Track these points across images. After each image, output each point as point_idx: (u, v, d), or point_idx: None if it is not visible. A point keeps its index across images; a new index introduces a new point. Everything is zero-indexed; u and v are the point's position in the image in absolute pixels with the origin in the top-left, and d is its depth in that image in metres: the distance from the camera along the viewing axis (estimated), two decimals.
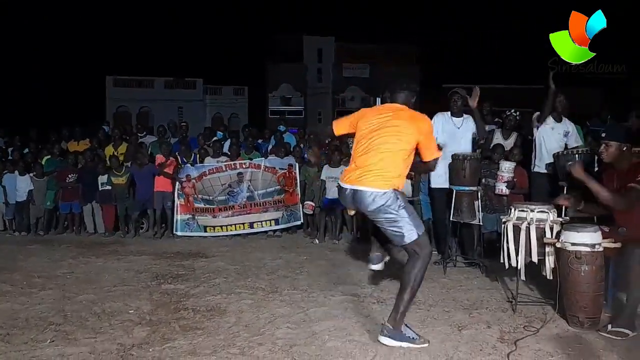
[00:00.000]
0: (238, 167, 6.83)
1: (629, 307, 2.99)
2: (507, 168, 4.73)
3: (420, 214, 5.61)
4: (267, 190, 6.81)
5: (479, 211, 4.61)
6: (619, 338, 2.88)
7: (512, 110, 5.45)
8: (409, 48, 31.65)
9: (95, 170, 7.02)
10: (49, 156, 7.60)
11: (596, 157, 4.29)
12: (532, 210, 3.40)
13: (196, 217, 6.76)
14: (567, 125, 4.94)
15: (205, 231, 6.74)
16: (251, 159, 6.99)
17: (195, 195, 6.78)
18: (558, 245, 3.16)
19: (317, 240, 6.27)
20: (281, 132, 8.44)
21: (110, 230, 6.96)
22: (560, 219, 3.43)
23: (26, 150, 7.93)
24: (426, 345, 2.77)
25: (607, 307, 3.20)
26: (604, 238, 3.09)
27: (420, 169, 3.27)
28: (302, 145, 7.42)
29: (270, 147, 7.71)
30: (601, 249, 3.06)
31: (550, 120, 4.87)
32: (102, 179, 6.97)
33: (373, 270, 3.51)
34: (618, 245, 3.07)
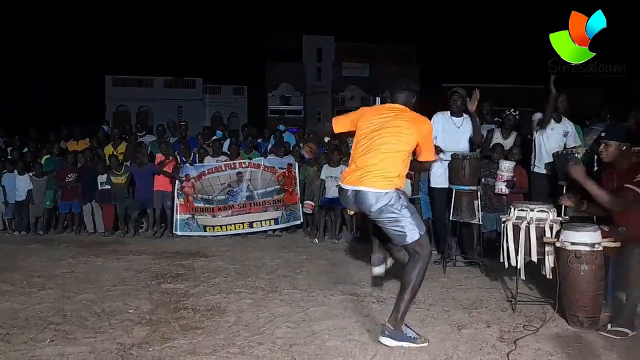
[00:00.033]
0: (237, 166, 6.83)
1: (628, 307, 3.00)
2: (506, 167, 4.73)
3: (420, 213, 5.61)
4: (266, 189, 6.82)
5: (478, 210, 4.61)
6: (619, 337, 2.89)
7: (512, 110, 5.44)
8: (409, 47, 31.65)
9: (94, 169, 7.02)
10: (48, 156, 7.59)
11: (595, 157, 4.29)
12: (531, 210, 3.40)
13: (196, 217, 6.76)
14: (567, 125, 4.94)
15: (205, 231, 6.74)
16: (250, 159, 6.99)
17: (195, 195, 6.78)
18: (558, 244, 3.17)
19: (316, 240, 6.27)
20: (281, 132, 8.44)
21: (109, 230, 6.96)
22: (560, 219, 3.43)
23: (25, 150, 7.93)
24: (426, 344, 2.78)
25: (606, 306, 3.20)
26: (603, 237, 3.10)
27: (415, 167, 3.28)
28: (301, 145, 7.41)
29: (269, 146, 7.71)
30: (601, 248, 3.07)
31: (550, 123, 4.84)
32: (102, 178, 6.96)
33: (376, 275, 3.50)
34: (618, 244, 3.07)
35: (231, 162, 6.88)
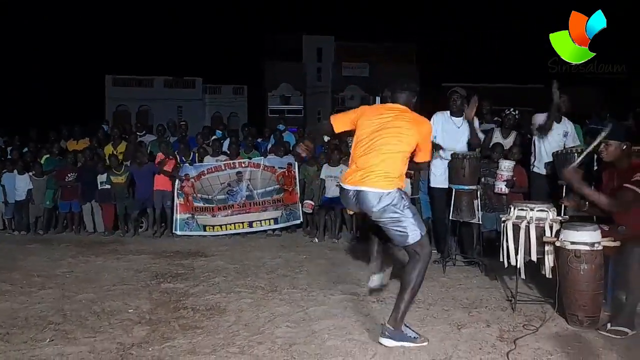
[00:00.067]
0: (237, 166, 6.83)
1: (628, 306, 3.00)
2: (506, 167, 4.73)
3: (420, 212, 5.62)
4: (266, 189, 6.82)
5: (478, 210, 4.61)
6: (618, 337, 2.89)
7: (512, 109, 5.44)
8: (409, 47, 31.64)
9: (94, 169, 7.02)
10: (48, 155, 7.59)
11: (595, 157, 4.29)
12: (531, 209, 3.40)
13: (195, 217, 6.76)
14: (567, 125, 4.93)
15: (205, 230, 6.74)
16: (250, 158, 6.99)
17: (195, 195, 6.78)
18: (557, 244, 3.17)
19: (316, 239, 6.27)
20: (280, 131, 8.44)
21: (109, 230, 6.96)
22: (560, 218, 3.44)
23: (25, 150, 7.93)
24: (425, 344, 2.78)
25: (606, 305, 3.21)
26: (603, 237, 3.10)
27: (411, 167, 3.29)
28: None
29: (269, 146, 7.71)
30: (600, 247, 3.07)
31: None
32: (102, 178, 6.97)
33: (372, 288, 3.48)
34: (617, 244, 3.07)
35: (231, 161, 6.88)
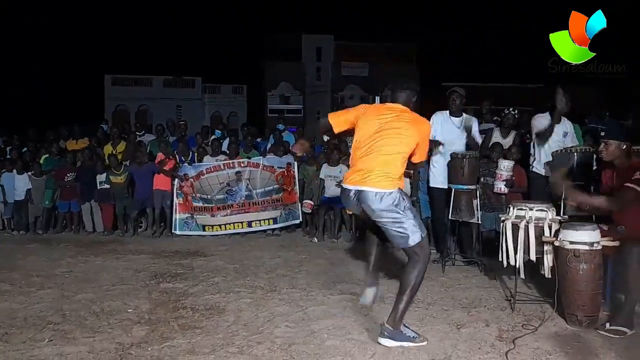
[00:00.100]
0: (236, 166, 6.83)
1: (627, 306, 3.00)
2: (505, 167, 4.73)
3: (419, 212, 5.63)
4: (265, 189, 6.81)
5: (477, 210, 4.62)
6: (617, 336, 2.89)
7: (511, 109, 5.44)
8: (408, 47, 31.61)
9: (93, 169, 7.02)
10: (47, 155, 7.59)
11: (594, 156, 4.29)
12: (530, 209, 3.41)
13: (195, 216, 6.76)
14: (567, 125, 4.92)
15: (204, 230, 6.74)
16: (250, 158, 6.99)
17: (194, 195, 6.78)
18: (556, 243, 3.17)
19: (315, 239, 6.27)
20: (280, 131, 8.43)
21: (109, 229, 6.96)
22: (559, 218, 3.44)
23: (24, 149, 7.92)
24: (425, 343, 2.78)
25: (605, 305, 3.21)
26: (602, 236, 3.10)
27: (408, 166, 3.28)
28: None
29: (269, 145, 7.70)
30: (600, 247, 3.07)
31: (548, 122, 4.82)
32: (101, 177, 6.96)
33: (365, 305, 3.26)
34: (616, 243, 3.08)
35: (230, 161, 6.88)
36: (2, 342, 2.90)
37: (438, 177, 4.90)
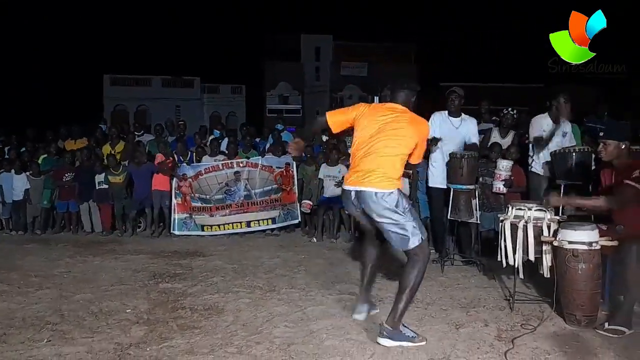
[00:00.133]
0: (235, 165, 6.83)
1: (626, 305, 3.01)
2: (504, 166, 4.73)
3: (418, 212, 5.63)
4: (264, 189, 6.81)
5: (476, 210, 4.62)
6: (616, 336, 2.90)
7: (510, 109, 5.45)
8: (407, 46, 31.64)
9: (92, 169, 7.01)
10: (45, 155, 7.57)
11: (593, 156, 4.29)
12: (529, 209, 3.41)
13: (193, 216, 6.75)
14: (566, 125, 4.92)
15: (203, 230, 6.73)
16: (248, 158, 6.98)
17: (193, 195, 6.78)
18: (555, 243, 3.17)
19: (314, 239, 6.27)
20: (279, 131, 8.44)
21: (107, 229, 6.95)
22: (558, 217, 3.44)
23: (23, 149, 7.90)
24: (424, 343, 2.78)
25: (604, 305, 3.22)
26: (601, 236, 3.10)
27: (406, 166, 3.29)
28: None
29: (267, 145, 7.70)
30: (598, 247, 3.07)
31: (548, 125, 4.81)
32: (99, 177, 6.95)
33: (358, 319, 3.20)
34: (615, 243, 3.08)
35: (229, 161, 6.88)
36: (0, 343, 2.89)
37: (437, 177, 4.90)
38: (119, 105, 29.28)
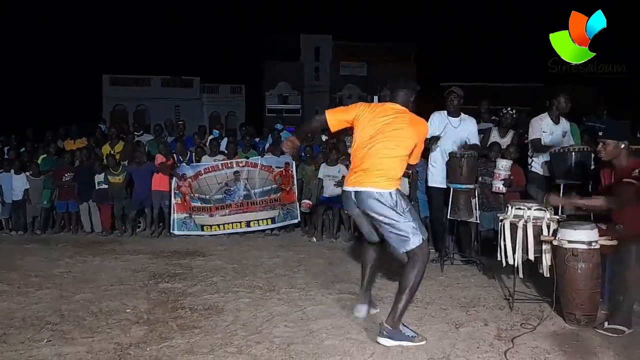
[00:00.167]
0: (234, 165, 6.83)
1: (625, 305, 3.01)
2: (503, 166, 4.74)
3: (418, 212, 5.63)
4: (263, 188, 6.81)
5: (476, 209, 4.62)
6: (616, 335, 2.90)
7: (509, 109, 5.45)
8: (407, 46, 31.64)
9: (91, 169, 7.00)
10: (45, 155, 7.57)
11: (592, 155, 4.29)
12: (529, 208, 3.41)
13: (193, 216, 6.75)
14: (566, 125, 4.93)
15: (203, 230, 6.74)
16: (248, 158, 6.98)
17: (192, 194, 6.78)
18: (555, 242, 3.17)
19: (314, 239, 6.27)
20: (278, 131, 8.44)
21: (107, 229, 6.94)
22: (557, 217, 3.44)
23: (22, 149, 7.90)
24: (423, 342, 2.78)
25: (603, 304, 3.22)
26: (600, 235, 3.11)
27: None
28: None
29: (267, 145, 7.70)
30: (598, 246, 3.08)
31: (547, 125, 4.82)
32: (99, 177, 6.95)
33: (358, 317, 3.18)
34: (615, 242, 3.08)
35: (228, 161, 6.88)
36: (0, 343, 2.89)
37: (436, 177, 4.90)
38: (119, 105, 29.25)
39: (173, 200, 6.73)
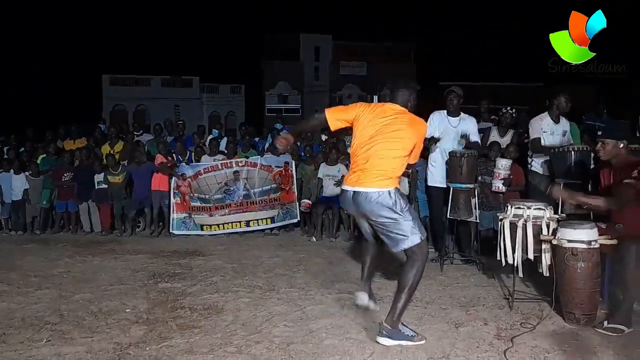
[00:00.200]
0: (234, 165, 6.82)
1: (625, 304, 3.01)
2: (503, 165, 4.74)
3: (418, 211, 5.63)
4: (263, 188, 6.81)
5: (475, 208, 4.62)
6: (615, 334, 2.90)
7: (509, 108, 5.45)
8: (407, 46, 31.64)
9: (91, 168, 7.00)
10: (44, 155, 7.57)
11: (592, 155, 4.29)
12: (528, 208, 3.41)
13: (193, 216, 6.75)
14: (565, 125, 4.93)
15: (202, 230, 6.73)
16: (247, 157, 6.98)
17: (192, 194, 6.77)
18: (554, 242, 3.17)
19: (314, 238, 6.27)
20: (278, 130, 8.44)
21: (106, 229, 6.94)
22: (557, 216, 3.44)
23: (22, 149, 7.89)
24: (423, 342, 2.78)
25: (603, 303, 3.22)
26: (600, 235, 3.11)
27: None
28: (298, 144, 7.42)
29: (267, 145, 7.70)
30: (597, 245, 3.08)
31: (547, 125, 4.82)
32: (99, 177, 6.94)
33: (359, 304, 3.15)
34: (614, 242, 3.08)
35: (227, 161, 6.88)
36: (0, 343, 2.90)
37: (436, 176, 4.90)
38: (118, 105, 29.24)
39: (172, 200, 6.73)
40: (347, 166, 3.08)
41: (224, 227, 6.71)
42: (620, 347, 2.75)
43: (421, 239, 2.79)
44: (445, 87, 5.11)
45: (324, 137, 7.76)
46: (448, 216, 4.65)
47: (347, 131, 3.04)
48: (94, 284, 4.19)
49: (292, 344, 2.81)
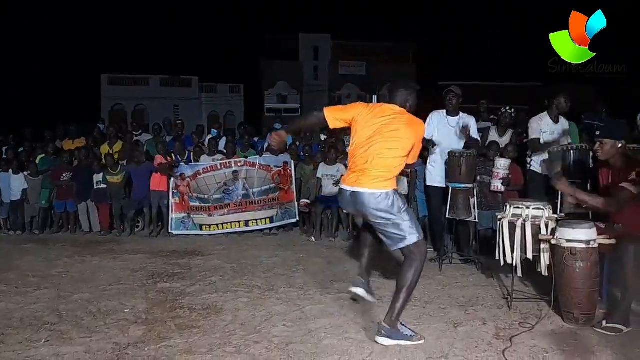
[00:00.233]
0: (233, 165, 6.82)
1: (623, 304, 3.01)
2: (502, 165, 4.74)
3: (417, 211, 5.64)
4: (262, 188, 6.81)
5: (474, 208, 4.63)
6: (614, 334, 2.90)
7: (507, 108, 5.45)
8: (406, 46, 31.64)
9: (90, 168, 6.99)
10: (43, 155, 7.56)
11: (591, 154, 4.30)
12: (527, 207, 3.41)
13: (192, 216, 6.75)
14: (565, 124, 4.93)
15: (201, 229, 6.73)
16: (246, 157, 6.98)
17: (191, 194, 6.77)
18: (553, 241, 3.18)
19: (313, 238, 6.27)
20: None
21: (105, 229, 6.94)
22: (556, 216, 3.45)
23: (20, 149, 7.88)
24: (422, 342, 2.78)
25: (602, 303, 3.22)
26: (599, 234, 3.11)
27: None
28: (297, 143, 7.42)
29: (266, 145, 7.69)
30: (596, 245, 3.08)
31: (547, 125, 4.82)
32: (98, 177, 6.94)
33: (354, 295, 3.10)
34: (613, 241, 3.09)
35: (226, 160, 6.87)
36: None
37: (435, 176, 4.90)
38: (117, 105, 29.21)
39: (171, 200, 6.73)
40: (346, 166, 3.07)
41: (223, 227, 6.71)
42: (619, 346, 2.75)
43: (419, 238, 2.79)
44: (445, 87, 5.11)
45: (323, 137, 7.76)
46: (447, 216, 4.66)
47: (346, 131, 3.04)
48: (92, 284, 4.18)
49: (291, 344, 2.81)
